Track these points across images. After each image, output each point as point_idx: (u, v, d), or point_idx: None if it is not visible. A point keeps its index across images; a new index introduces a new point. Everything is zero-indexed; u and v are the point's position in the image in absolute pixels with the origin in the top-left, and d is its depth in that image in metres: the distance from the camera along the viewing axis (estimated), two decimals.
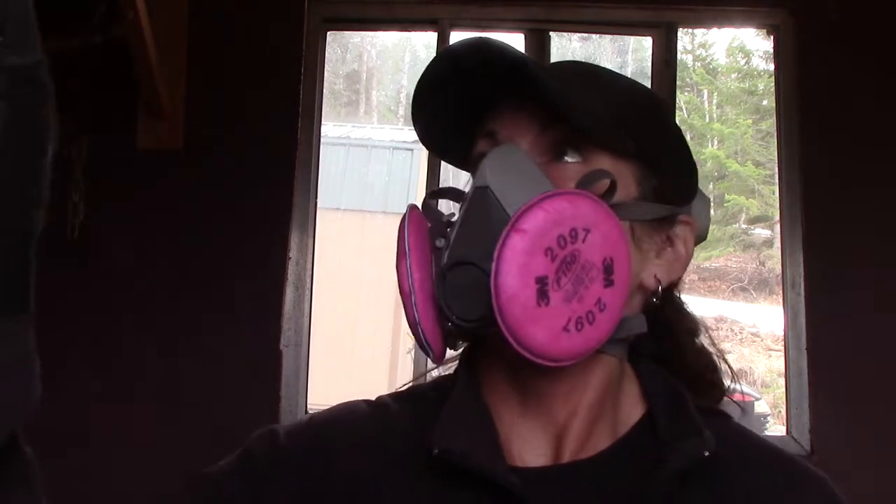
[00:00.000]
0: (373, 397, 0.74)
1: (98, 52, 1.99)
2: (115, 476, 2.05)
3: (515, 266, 0.56)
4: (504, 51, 0.61)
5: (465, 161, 0.71)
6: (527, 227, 0.57)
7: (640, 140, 0.66)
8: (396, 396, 0.74)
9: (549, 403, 0.66)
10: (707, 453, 0.61)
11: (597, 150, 0.65)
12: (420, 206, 0.68)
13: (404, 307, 0.64)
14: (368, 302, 8.03)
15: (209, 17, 2.21)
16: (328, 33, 2.36)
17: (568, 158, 0.65)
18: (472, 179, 0.68)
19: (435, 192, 0.70)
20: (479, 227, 0.61)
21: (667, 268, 0.68)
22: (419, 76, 0.67)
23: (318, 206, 2.31)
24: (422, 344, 0.64)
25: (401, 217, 0.66)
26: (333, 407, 0.73)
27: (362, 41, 15.14)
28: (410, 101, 0.68)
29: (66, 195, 2.04)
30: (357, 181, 8.69)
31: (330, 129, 8.93)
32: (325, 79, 2.36)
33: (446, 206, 0.70)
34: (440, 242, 0.64)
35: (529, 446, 0.66)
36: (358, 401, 0.73)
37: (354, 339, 7.64)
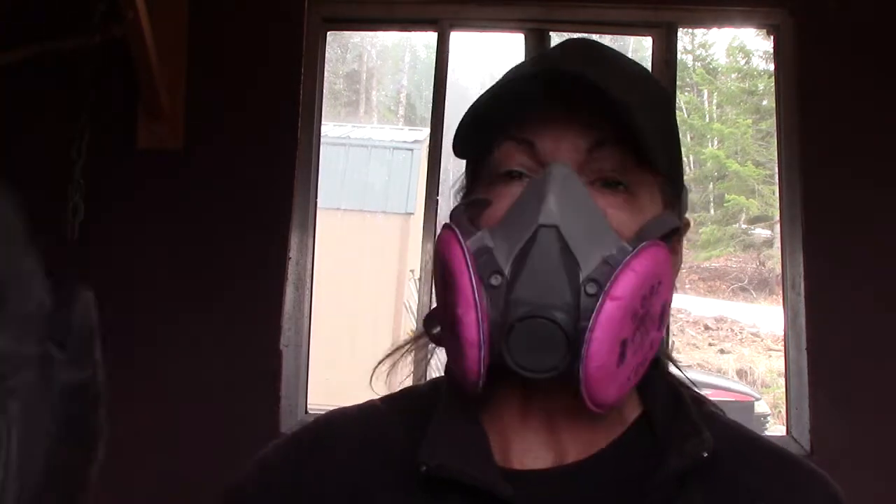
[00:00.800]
0: (365, 399, 0.74)
1: (98, 52, 1.99)
2: (115, 476, 2.05)
3: (609, 336, 0.56)
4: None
5: (478, 155, 0.67)
6: (620, 293, 0.57)
7: (665, 147, 0.65)
8: (391, 399, 0.73)
9: (553, 415, 0.66)
10: (706, 454, 0.61)
11: (638, 170, 0.62)
12: (453, 226, 0.62)
13: (465, 356, 0.59)
14: (368, 302, 8.02)
15: (209, 17, 2.21)
16: (328, 33, 2.36)
17: (619, 186, 0.62)
18: (497, 184, 0.64)
19: (467, 203, 0.66)
20: (550, 273, 0.58)
21: (673, 276, 0.68)
22: (475, 101, 0.62)
23: (318, 206, 2.30)
24: (471, 385, 0.61)
25: (440, 238, 0.62)
26: (323, 415, 0.72)
27: (362, 41, 15.13)
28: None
29: (66, 195, 2.04)
30: (357, 181, 8.69)
31: (330, 129, 8.92)
32: (325, 79, 2.36)
33: (450, 203, 0.68)
34: (496, 280, 0.59)
35: (529, 449, 0.66)
36: (349, 407, 0.73)
37: (354, 339, 7.63)
